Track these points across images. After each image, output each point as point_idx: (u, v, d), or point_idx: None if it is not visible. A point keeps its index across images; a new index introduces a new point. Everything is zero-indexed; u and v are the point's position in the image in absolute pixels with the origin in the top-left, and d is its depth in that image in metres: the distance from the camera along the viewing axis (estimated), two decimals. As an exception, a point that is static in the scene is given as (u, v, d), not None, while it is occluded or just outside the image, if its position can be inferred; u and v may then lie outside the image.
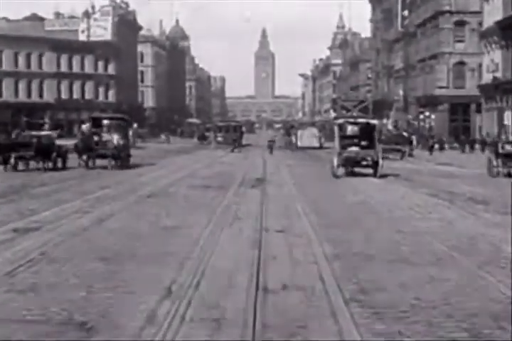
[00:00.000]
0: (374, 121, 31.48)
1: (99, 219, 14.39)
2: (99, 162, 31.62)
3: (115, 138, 31.23)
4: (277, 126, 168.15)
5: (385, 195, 20.43)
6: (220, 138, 62.17)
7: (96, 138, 31.65)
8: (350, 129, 29.74)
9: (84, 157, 31.20)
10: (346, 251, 10.83)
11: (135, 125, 78.40)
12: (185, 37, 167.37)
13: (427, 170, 33.80)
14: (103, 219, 14.43)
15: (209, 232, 12.64)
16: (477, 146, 55.37)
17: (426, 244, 11.57)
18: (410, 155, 47.89)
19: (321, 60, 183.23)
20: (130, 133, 64.11)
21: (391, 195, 20.24)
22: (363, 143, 28.80)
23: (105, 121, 33.25)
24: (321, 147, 58.77)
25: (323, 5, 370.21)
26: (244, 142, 64.47)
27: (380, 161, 27.77)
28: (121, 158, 31.42)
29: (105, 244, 11.32)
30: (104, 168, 30.63)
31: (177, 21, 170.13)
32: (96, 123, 33.42)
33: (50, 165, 30.22)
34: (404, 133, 56.68)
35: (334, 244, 11.41)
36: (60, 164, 30.93)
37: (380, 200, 18.74)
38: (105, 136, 31.54)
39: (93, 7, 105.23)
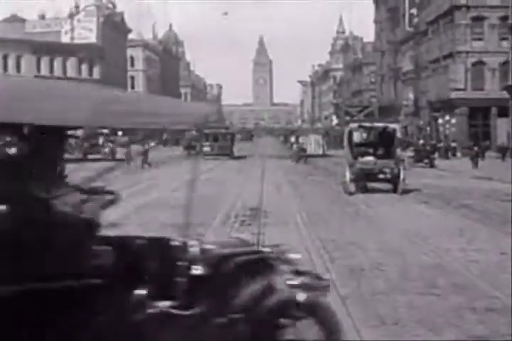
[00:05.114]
0: (394, 125, 25.83)
1: None
2: None
3: None
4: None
5: (463, 246, 11.88)
6: (207, 148, 53.36)
7: None
8: (365, 135, 25.10)
9: None
10: None
11: (120, 133, 71.93)
12: (178, 42, 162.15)
13: (468, 187, 26.59)
14: None
15: None
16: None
17: None
18: (432, 165, 42.72)
19: (320, 65, 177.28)
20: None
21: (475, 248, 11.60)
22: (380, 151, 23.97)
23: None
24: (324, 155, 56.09)
25: (322, 10, 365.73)
26: (237, 153, 56.10)
27: (402, 174, 22.71)
28: None
29: None
30: None
31: (170, 26, 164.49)
32: None
33: None
34: (421, 141, 52.66)
35: None
36: None
37: (469, 263, 10.26)
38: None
39: (77, 7, 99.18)
